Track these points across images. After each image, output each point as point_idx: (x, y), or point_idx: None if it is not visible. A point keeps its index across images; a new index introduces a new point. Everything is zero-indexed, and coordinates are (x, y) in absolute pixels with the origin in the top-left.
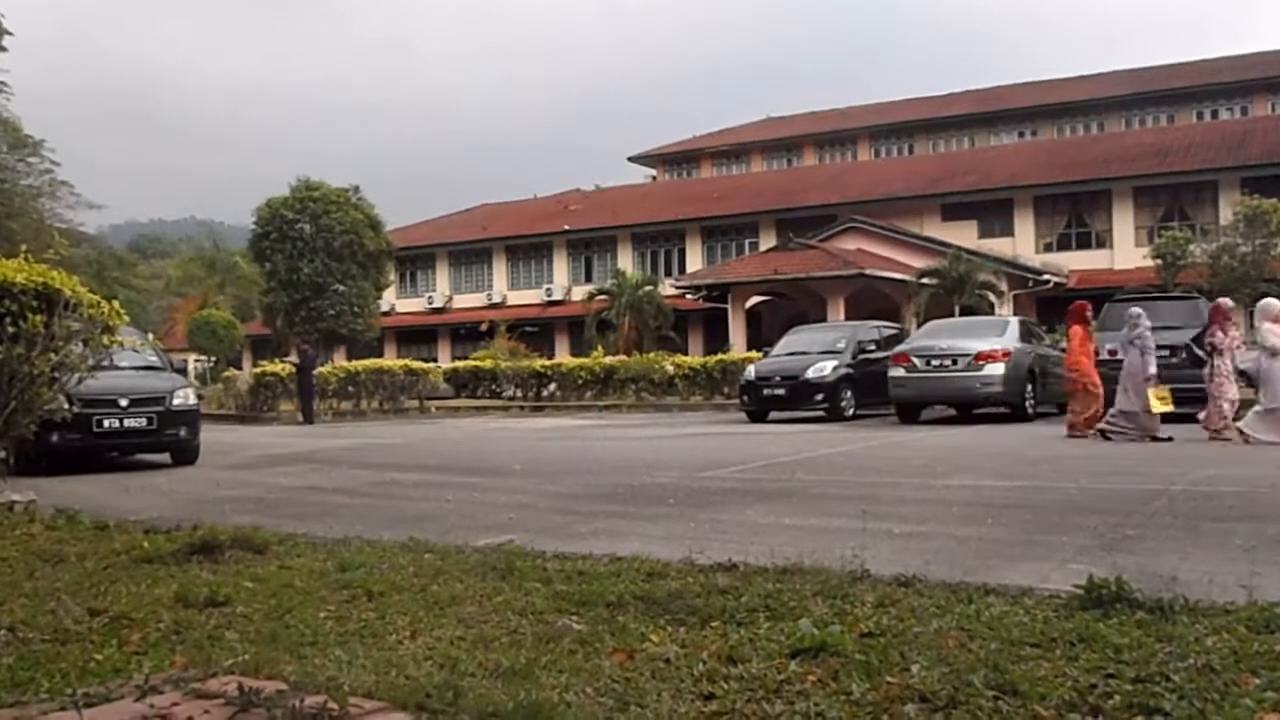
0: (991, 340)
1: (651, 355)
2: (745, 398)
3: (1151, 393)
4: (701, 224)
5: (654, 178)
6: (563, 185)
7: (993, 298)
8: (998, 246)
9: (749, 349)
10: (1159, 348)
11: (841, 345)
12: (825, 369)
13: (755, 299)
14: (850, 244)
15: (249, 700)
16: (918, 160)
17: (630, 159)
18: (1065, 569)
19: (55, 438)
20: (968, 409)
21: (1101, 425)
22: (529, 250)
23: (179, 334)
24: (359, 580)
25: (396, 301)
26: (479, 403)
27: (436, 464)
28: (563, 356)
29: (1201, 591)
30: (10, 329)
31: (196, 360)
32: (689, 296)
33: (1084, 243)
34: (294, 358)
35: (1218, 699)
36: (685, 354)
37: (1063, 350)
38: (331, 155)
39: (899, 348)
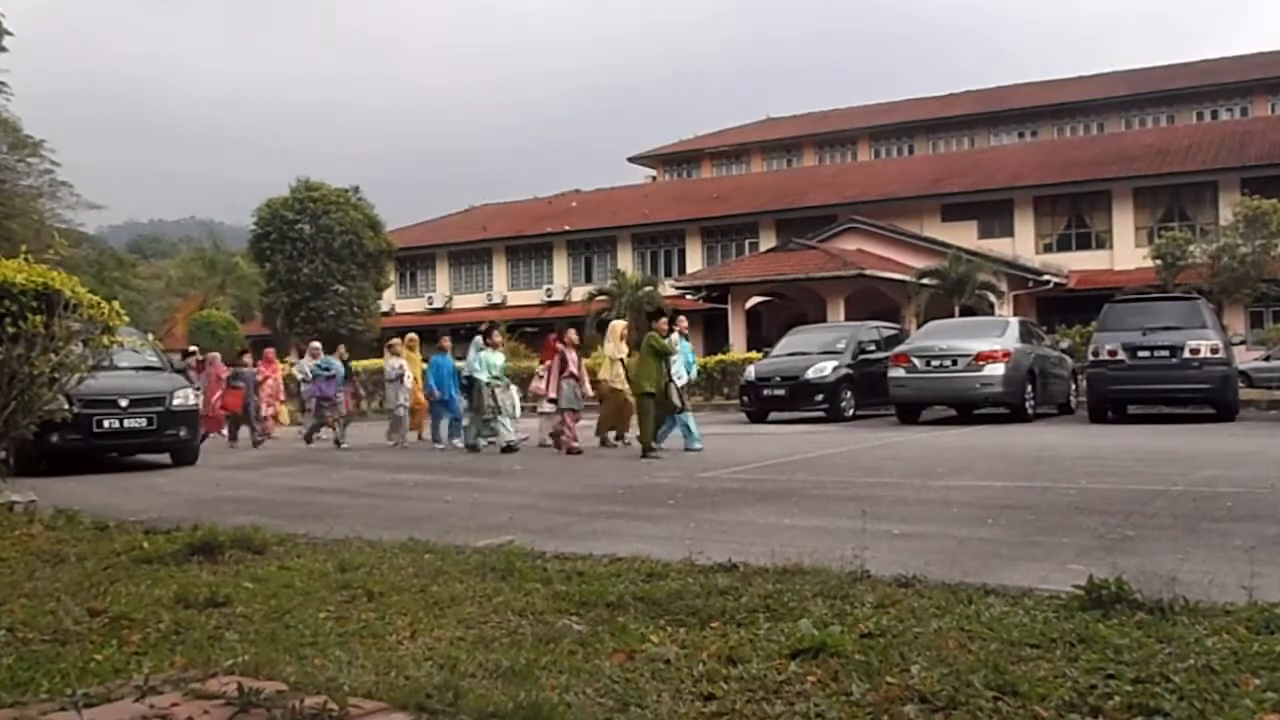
0: (991, 341)
1: None
2: (745, 398)
3: None
4: (701, 224)
5: (654, 178)
6: (563, 186)
7: (993, 298)
8: (998, 247)
9: (749, 349)
10: (1159, 348)
11: (841, 346)
12: (825, 369)
13: (755, 299)
14: (850, 244)
15: (249, 701)
16: (918, 160)
17: (630, 159)
18: (1065, 570)
19: (55, 438)
20: (968, 409)
21: None
22: (529, 250)
23: (179, 334)
24: (359, 581)
25: (396, 302)
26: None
27: (436, 464)
28: None
29: (1201, 592)
30: (10, 329)
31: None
32: (689, 297)
33: (1084, 243)
34: (294, 358)
35: (1218, 700)
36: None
37: (1063, 351)
38: (331, 156)
39: (899, 348)
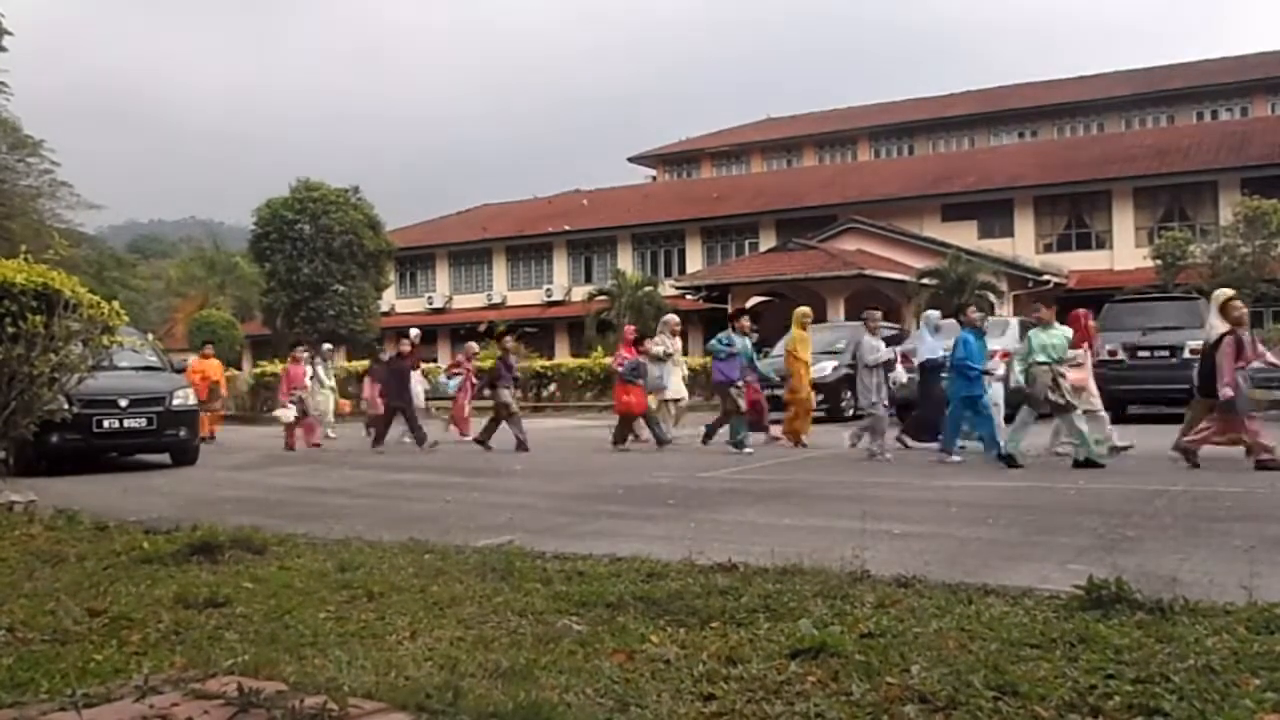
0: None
1: None
2: None
3: None
4: (701, 224)
5: (654, 178)
6: (563, 186)
7: (993, 298)
8: (998, 247)
9: None
10: (1159, 348)
11: (841, 345)
12: (825, 369)
13: (755, 299)
14: (850, 244)
15: (249, 701)
16: (918, 160)
17: (630, 159)
18: (1065, 570)
19: (55, 438)
20: None
21: None
22: (529, 250)
23: (179, 334)
24: (359, 581)
25: (396, 302)
26: (479, 403)
27: (436, 464)
28: (563, 357)
29: (1201, 592)
30: (10, 329)
31: None
32: (689, 297)
33: (1084, 243)
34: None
35: (1218, 699)
36: (685, 354)
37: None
38: (331, 156)
39: (899, 348)
